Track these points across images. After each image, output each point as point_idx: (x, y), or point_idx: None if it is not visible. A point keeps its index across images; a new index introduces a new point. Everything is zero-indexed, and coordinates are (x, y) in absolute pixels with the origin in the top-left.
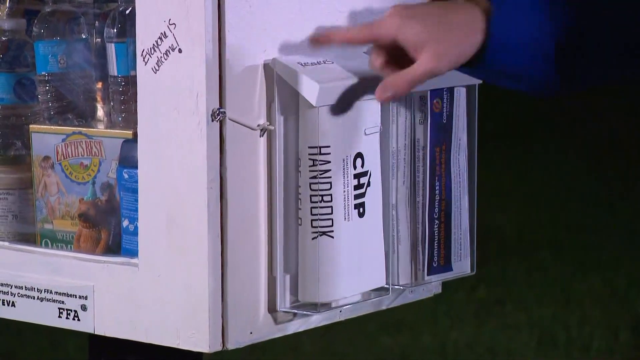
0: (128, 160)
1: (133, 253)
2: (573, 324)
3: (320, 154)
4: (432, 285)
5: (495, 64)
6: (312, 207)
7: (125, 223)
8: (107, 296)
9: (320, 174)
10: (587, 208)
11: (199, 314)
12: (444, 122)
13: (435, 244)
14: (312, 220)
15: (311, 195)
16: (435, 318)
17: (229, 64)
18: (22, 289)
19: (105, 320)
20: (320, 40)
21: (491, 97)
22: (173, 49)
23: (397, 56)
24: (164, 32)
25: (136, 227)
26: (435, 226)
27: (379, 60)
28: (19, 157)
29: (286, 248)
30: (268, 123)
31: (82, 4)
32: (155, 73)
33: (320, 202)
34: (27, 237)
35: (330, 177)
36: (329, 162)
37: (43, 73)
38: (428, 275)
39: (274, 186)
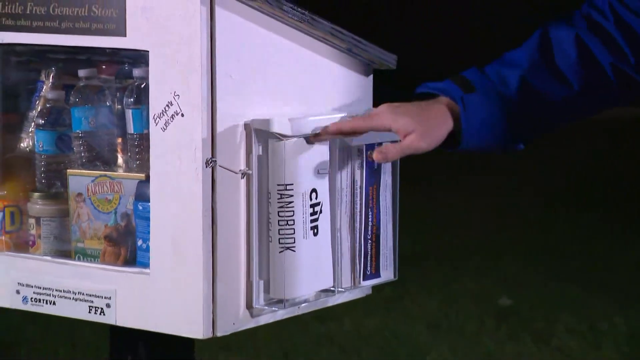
0: (142, 196)
1: (146, 265)
2: (452, 314)
3: (286, 189)
4: (365, 288)
5: (468, 148)
6: (279, 229)
7: (139, 242)
8: (126, 297)
9: (286, 205)
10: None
11: (195, 310)
12: (375, 168)
13: (369, 258)
14: (279, 238)
15: (279, 220)
16: (353, 309)
17: (219, 125)
18: (60, 292)
19: (124, 315)
20: (327, 132)
21: None
22: (177, 114)
23: None
24: (170, 101)
25: (148, 246)
26: (369, 245)
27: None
28: (59, 194)
29: (260, 260)
30: (247, 168)
31: (106, 80)
32: (164, 131)
33: (286, 225)
34: (64, 253)
35: (293, 207)
36: (292, 195)
37: (77, 131)
38: (363, 280)
39: (251, 215)
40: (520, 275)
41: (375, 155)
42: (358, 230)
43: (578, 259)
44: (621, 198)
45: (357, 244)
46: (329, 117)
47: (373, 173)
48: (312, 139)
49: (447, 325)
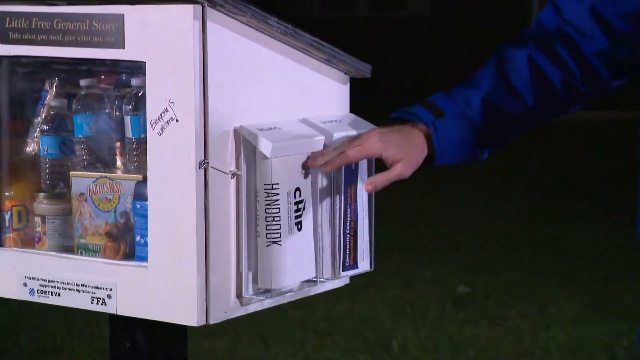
0: (140, 195)
1: (144, 259)
2: (415, 301)
3: (272, 188)
4: (344, 278)
5: (441, 165)
6: (266, 225)
7: (138, 238)
8: (126, 288)
9: (273, 202)
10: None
11: (189, 300)
12: (353, 168)
13: (347, 250)
14: (266, 233)
15: (266, 217)
16: (324, 296)
17: (211, 130)
18: (65, 284)
19: (124, 305)
20: (326, 167)
21: None
22: (172, 120)
23: None
24: (166, 108)
25: (146, 241)
26: (347, 238)
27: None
28: (63, 194)
29: (249, 253)
30: (237, 169)
31: (106, 89)
32: (160, 136)
33: (272, 221)
34: (68, 248)
35: (279, 204)
36: (278, 194)
37: (79, 136)
38: (342, 271)
39: (240, 212)
40: (476, 265)
41: (366, 187)
42: (338, 226)
43: (529, 249)
44: (597, 193)
45: (337, 238)
46: (311, 140)
47: (351, 173)
48: (305, 165)
49: (411, 312)
